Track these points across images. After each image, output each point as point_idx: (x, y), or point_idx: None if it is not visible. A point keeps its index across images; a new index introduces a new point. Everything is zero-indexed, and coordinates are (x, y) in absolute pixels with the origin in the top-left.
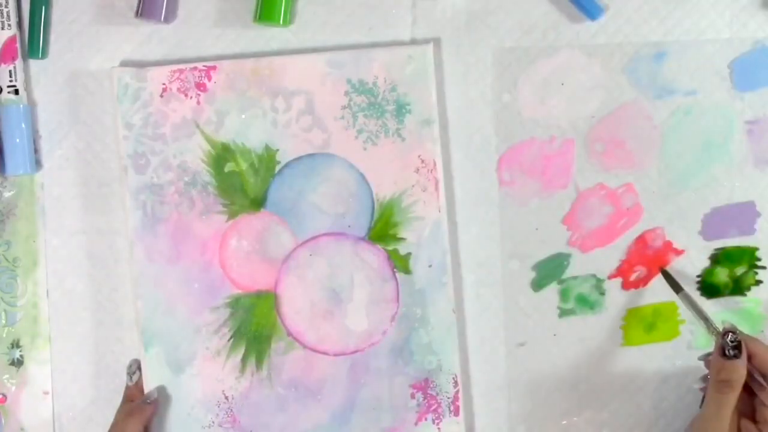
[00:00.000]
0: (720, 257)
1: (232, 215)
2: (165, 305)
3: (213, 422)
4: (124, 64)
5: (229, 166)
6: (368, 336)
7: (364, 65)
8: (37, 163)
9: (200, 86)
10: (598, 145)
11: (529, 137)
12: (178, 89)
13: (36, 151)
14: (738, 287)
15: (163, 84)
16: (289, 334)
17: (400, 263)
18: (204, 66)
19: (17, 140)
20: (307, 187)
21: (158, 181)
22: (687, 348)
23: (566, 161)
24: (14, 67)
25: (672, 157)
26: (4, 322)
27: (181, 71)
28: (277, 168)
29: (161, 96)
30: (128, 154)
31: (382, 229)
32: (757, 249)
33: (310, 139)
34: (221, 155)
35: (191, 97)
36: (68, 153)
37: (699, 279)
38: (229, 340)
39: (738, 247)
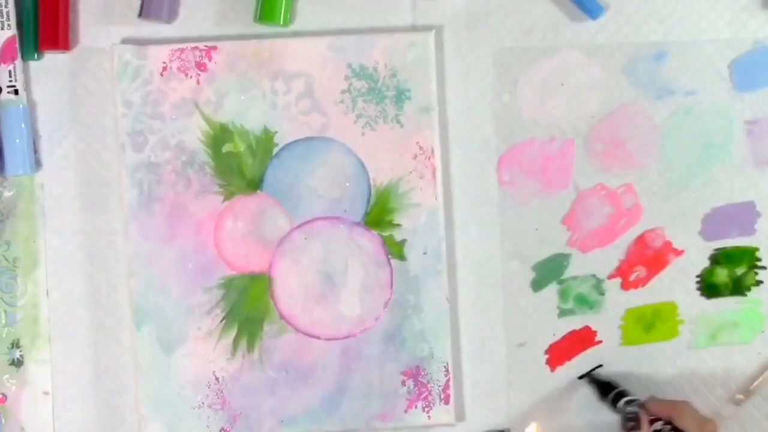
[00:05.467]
0: (720, 257)
1: (228, 196)
2: (158, 284)
3: (203, 403)
4: (125, 42)
5: (226, 147)
6: (361, 321)
7: (365, 50)
8: (37, 163)
9: (200, 66)
10: (598, 146)
11: (529, 137)
12: (179, 68)
13: (36, 151)
14: (738, 287)
15: (164, 63)
16: (282, 317)
17: (394, 249)
18: (205, 46)
19: (17, 140)
20: (304, 170)
21: (155, 160)
22: (687, 348)
23: (566, 161)
24: (14, 67)
25: (672, 157)
26: (4, 322)
27: (181, 50)
28: (275, 150)
29: (161, 75)
30: (126, 131)
31: (378, 214)
32: (757, 249)
33: (308, 123)
34: (219, 136)
35: (191, 77)
36: (68, 153)
37: (699, 279)
38: (221, 322)
39: (738, 247)
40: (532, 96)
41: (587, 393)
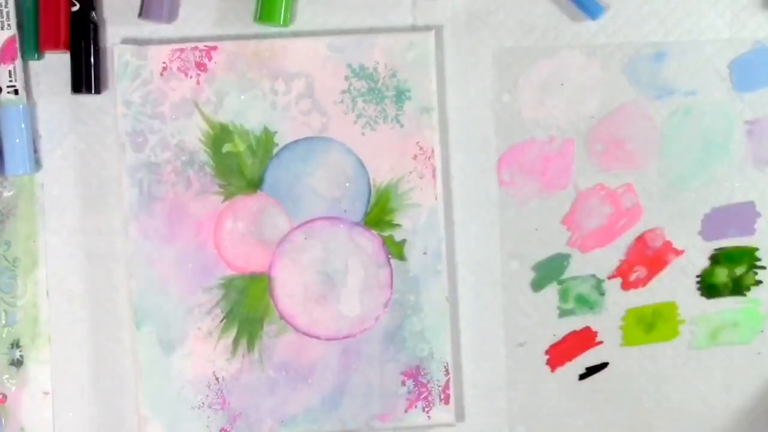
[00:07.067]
0: (720, 257)
1: (228, 196)
2: (158, 284)
3: (203, 403)
4: (125, 42)
5: (226, 147)
6: (361, 321)
7: (366, 50)
8: (37, 163)
9: (200, 66)
10: (598, 146)
11: (529, 137)
12: (179, 68)
13: (36, 151)
14: (738, 287)
15: (164, 63)
16: (282, 317)
17: (394, 249)
18: (205, 46)
19: (17, 140)
20: (304, 170)
21: (155, 160)
22: (687, 348)
23: (566, 161)
24: (14, 67)
25: (672, 157)
26: (4, 322)
27: (181, 50)
28: (275, 150)
29: (161, 75)
30: (126, 131)
31: (378, 214)
32: (757, 249)
33: (308, 123)
34: (219, 136)
35: (191, 77)
36: (68, 153)
37: (699, 279)
38: (221, 321)
39: (738, 247)
40: (532, 96)
41: (588, 393)
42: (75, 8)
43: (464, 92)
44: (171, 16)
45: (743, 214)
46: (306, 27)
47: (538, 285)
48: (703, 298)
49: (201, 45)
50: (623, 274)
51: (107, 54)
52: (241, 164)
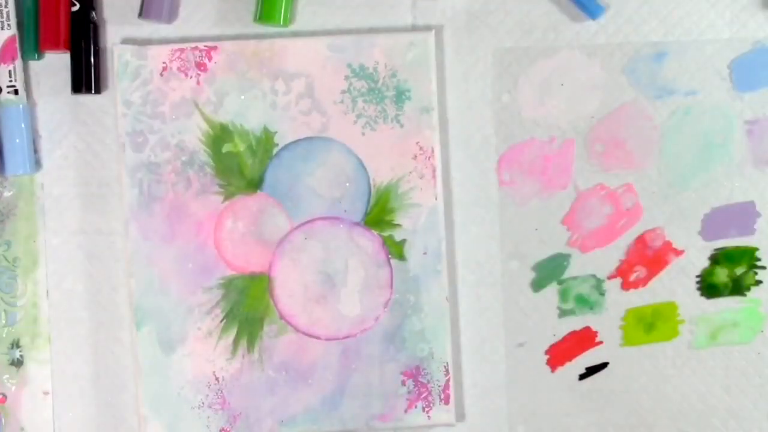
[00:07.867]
0: (720, 257)
1: (228, 196)
2: (158, 284)
3: (203, 403)
4: (125, 42)
5: (226, 147)
6: (361, 321)
7: (366, 50)
8: (37, 163)
9: (200, 66)
10: (598, 146)
11: (529, 137)
12: (179, 68)
13: (36, 151)
14: (738, 287)
15: (164, 63)
16: (282, 317)
17: (394, 249)
18: (205, 46)
19: (17, 140)
20: (304, 170)
21: (155, 160)
22: (687, 348)
23: (566, 161)
24: (14, 67)
25: (672, 157)
26: (4, 322)
27: (181, 50)
28: (275, 150)
29: (161, 75)
30: (126, 131)
31: (378, 214)
32: (757, 249)
33: (308, 123)
34: (219, 136)
35: (191, 77)
36: (68, 153)
37: (699, 279)
38: (221, 321)
39: (738, 248)
40: (532, 96)
41: (588, 393)
42: (75, 8)
43: (464, 92)
44: (171, 16)
45: (743, 214)
46: (306, 27)
47: (538, 285)
48: (703, 298)
49: (201, 45)
50: (623, 274)
51: (107, 54)
52: (241, 164)
